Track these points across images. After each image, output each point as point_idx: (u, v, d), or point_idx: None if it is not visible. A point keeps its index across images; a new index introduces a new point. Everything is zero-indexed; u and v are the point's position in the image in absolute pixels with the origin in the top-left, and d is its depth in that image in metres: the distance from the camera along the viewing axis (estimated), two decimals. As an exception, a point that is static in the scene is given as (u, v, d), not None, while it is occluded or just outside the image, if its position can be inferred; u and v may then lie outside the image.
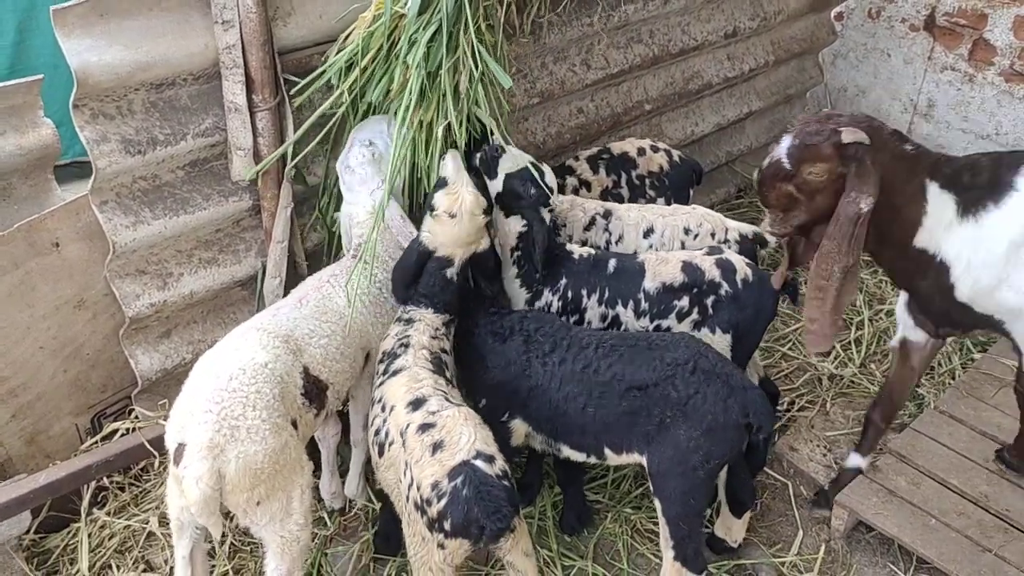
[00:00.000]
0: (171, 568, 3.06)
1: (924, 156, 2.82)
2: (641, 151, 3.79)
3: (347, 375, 2.86)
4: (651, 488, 2.78)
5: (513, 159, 3.15)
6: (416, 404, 2.60)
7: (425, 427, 2.51)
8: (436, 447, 2.45)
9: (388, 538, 3.16)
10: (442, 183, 2.94)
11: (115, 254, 2.85)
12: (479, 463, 2.41)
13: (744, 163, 5.58)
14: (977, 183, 2.78)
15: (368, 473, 3.42)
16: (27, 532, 3.09)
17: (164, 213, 2.93)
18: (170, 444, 2.38)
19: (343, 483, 3.37)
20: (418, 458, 2.46)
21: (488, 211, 3.02)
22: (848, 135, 2.67)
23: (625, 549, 3.26)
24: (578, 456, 2.94)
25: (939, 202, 2.79)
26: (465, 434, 2.47)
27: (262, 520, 2.47)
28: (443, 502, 2.37)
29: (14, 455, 3.07)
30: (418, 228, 3.00)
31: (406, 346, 2.82)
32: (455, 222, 2.89)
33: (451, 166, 2.95)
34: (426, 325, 2.90)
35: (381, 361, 2.85)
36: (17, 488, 2.81)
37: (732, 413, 2.65)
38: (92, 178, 2.72)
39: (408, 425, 2.54)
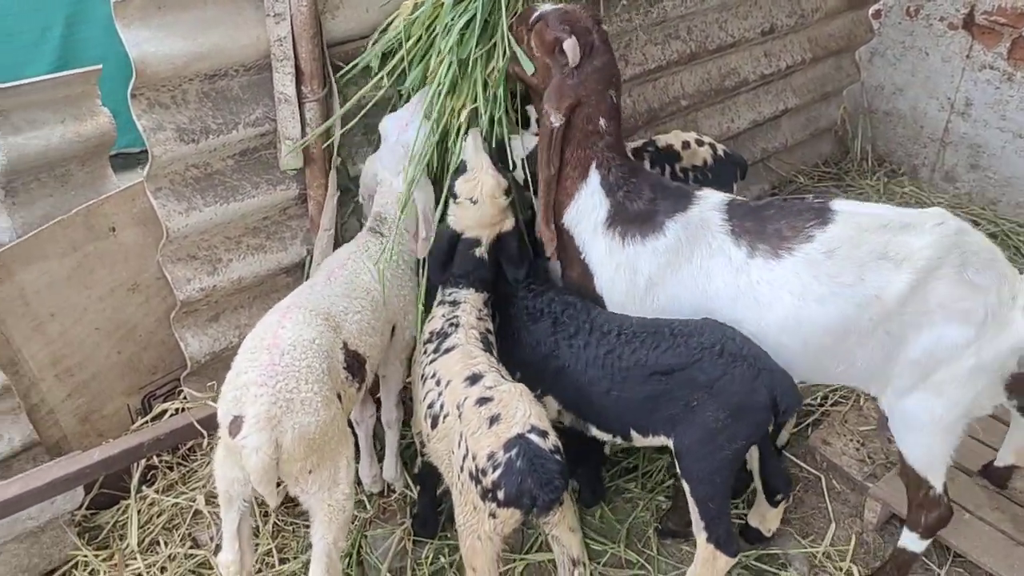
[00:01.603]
0: (216, 545, 3.17)
1: (605, 143, 2.90)
2: (686, 144, 3.81)
3: (379, 348, 2.95)
4: (678, 470, 2.81)
5: (525, 141, 3.19)
6: (473, 379, 2.68)
7: (483, 401, 2.58)
8: (493, 420, 2.52)
9: (426, 522, 3.24)
10: (462, 168, 3.01)
11: (168, 239, 2.94)
12: (533, 437, 2.48)
13: (779, 160, 5.59)
14: (631, 208, 2.87)
15: (405, 459, 3.50)
16: (79, 508, 3.19)
17: (215, 200, 3.02)
18: (224, 418, 2.45)
19: (381, 467, 3.44)
20: (475, 430, 2.53)
21: (510, 191, 3.06)
22: (568, 46, 2.74)
23: (656, 537, 3.31)
24: (605, 436, 2.98)
25: (595, 196, 2.91)
26: (521, 409, 2.54)
27: (312, 488, 2.55)
28: (498, 472, 2.44)
29: (69, 433, 3.17)
30: (444, 212, 3.07)
31: (456, 326, 2.90)
32: (477, 207, 2.98)
33: (471, 148, 3.01)
34: (471, 306, 2.98)
35: (429, 341, 2.93)
36: (73, 463, 2.89)
37: (759, 394, 2.67)
38: (148, 165, 2.81)
39: (465, 398, 2.62)
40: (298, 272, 3.39)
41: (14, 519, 2.92)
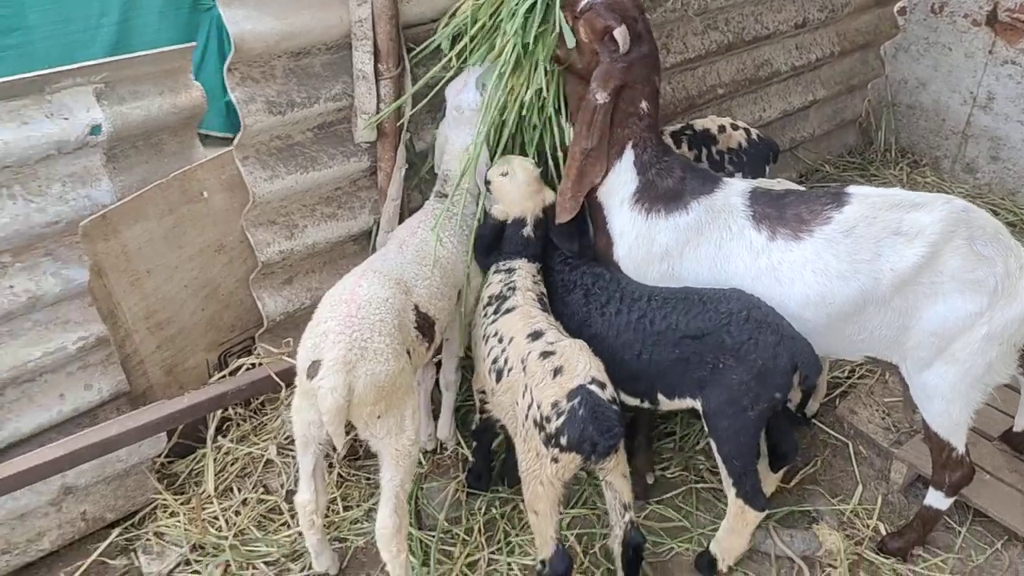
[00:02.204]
0: (287, 492, 3.40)
1: (645, 124, 3.08)
2: (722, 128, 4.02)
3: (447, 311, 3.13)
4: (705, 429, 3.00)
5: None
6: (535, 336, 2.88)
7: (546, 354, 2.77)
8: (556, 372, 2.71)
9: (480, 476, 3.44)
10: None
11: (253, 204, 3.16)
12: (593, 387, 2.67)
13: (806, 150, 5.81)
14: (660, 186, 3.07)
15: (457, 420, 3.72)
16: (160, 455, 3.41)
17: (295, 169, 3.23)
18: (303, 363, 2.65)
19: (436, 427, 3.66)
20: (539, 381, 2.72)
21: (539, 163, 3.26)
22: (618, 33, 2.93)
23: (694, 493, 3.53)
24: (632, 401, 3.13)
25: (627, 173, 3.11)
26: (581, 362, 2.74)
27: (380, 433, 2.73)
28: (561, 419, 2.63)
29: (155, 383, 3.39)
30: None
31: (513, 289, 3.10)
32: (509, 178, 3.18)
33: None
34: (526, 272, 3.18)
35: (489, 304, 3.13)
36: (163, 408, 3.11)
37: (781, 359, 2.82)
38: (239, 134, 3.04)
39: (529, 353, 2.82)
40: (365, 240, 3.61)
41: (105, 460, 3.14)
